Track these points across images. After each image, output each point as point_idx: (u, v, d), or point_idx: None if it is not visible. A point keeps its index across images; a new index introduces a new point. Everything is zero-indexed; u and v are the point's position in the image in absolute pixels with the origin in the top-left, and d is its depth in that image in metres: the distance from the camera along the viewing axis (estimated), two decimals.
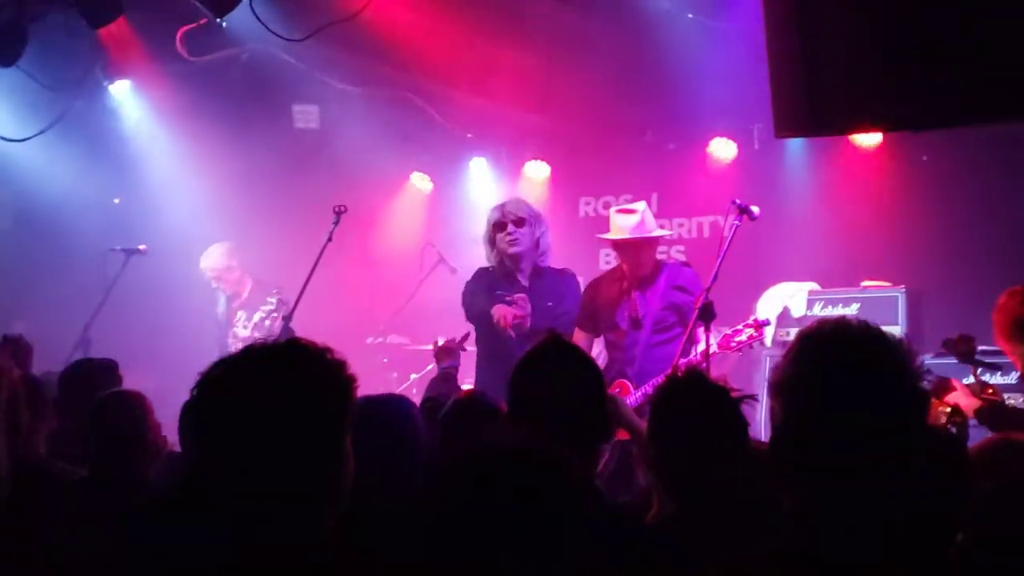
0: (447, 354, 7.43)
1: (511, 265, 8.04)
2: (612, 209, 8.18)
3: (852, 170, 10.80)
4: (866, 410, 2.42)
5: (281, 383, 2.66)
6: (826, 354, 2.51)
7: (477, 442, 2.41)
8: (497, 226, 8.03)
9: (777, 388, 2.56)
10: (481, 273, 8.26)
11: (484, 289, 8.06)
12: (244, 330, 9.99)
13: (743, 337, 7.42)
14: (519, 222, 7.96)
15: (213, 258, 10.48)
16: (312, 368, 2.71)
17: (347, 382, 2.75)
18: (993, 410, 6.22)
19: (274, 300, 9.60)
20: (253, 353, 2.77)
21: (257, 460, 2.62)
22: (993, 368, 7.04)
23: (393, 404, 4.59)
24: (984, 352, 7.80)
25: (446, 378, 7.23)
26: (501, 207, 8.10)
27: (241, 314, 10.26)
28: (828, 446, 2.43)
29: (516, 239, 7.94)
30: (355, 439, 2.72)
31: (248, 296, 10.43)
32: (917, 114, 5.64)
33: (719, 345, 7.34)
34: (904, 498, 2.44)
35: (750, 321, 7.50)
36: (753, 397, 4.28)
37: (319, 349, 2.76)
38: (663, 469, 3.96)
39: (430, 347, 10.38)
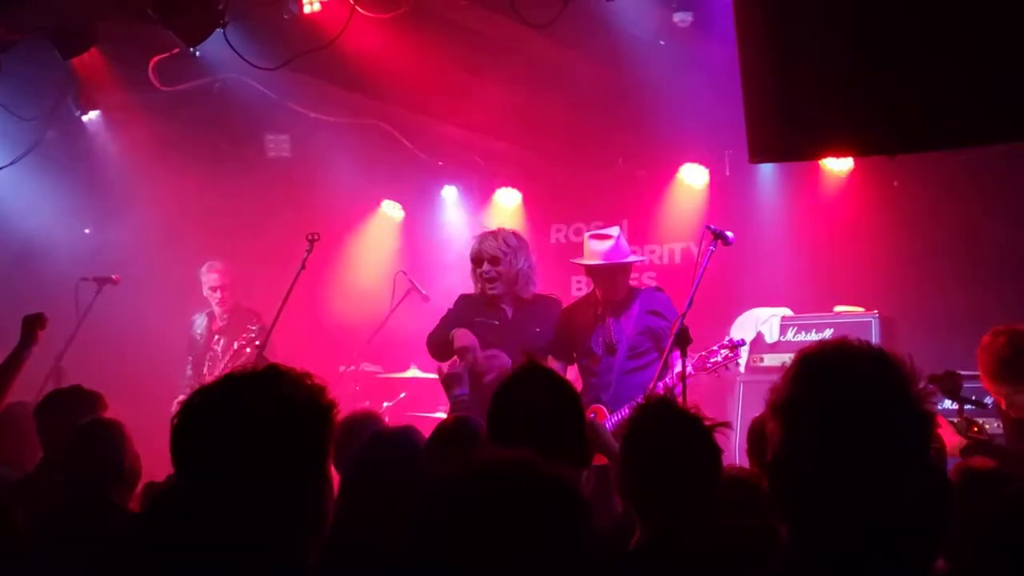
0: (455, 381, 7.27)
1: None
2: (586, 234, 8.12)
3: (824, 196, 10.84)
4: (869, 433, 2.39)
5: (262, 409, 2.66)
6: (828, 375, 2.48)
7: (473, 459, 2.36)
8: (474, 260, 7.97)
9: (775, 409, 2.52)
10: (461, 301, 8.18)
11: (461, 318, 8.01)
12: (221, 358, 9.97)
13: (719, 358, 7.43)
14: (494, 260, 7.86)
15: (223, 270, 10.43)
16: (293, 394, 2.71)
17: (328, 407, 2.75)
18: (979, 449, 6.22)
19: (255, 328, 9.55)
20: (234, 380, 2.77)
21: (239, 487, 2.61)
22: (979, 405, 7.02)
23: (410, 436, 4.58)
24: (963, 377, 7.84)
25: (462, 408, 6.98)
26: (480, 240, 7.99)
27: (220, 338, 10.23)
28: (829, 469, 2.40)
29: (491, 279, 7.87)
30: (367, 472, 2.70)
31: (228, 320, 10.41)
32: (890, 139, 5.68)
33: (694, 366, 7.33)
34: (902, 521, 2.42)
35: (725, 341, 7.51)
36: (726, 424, 4.26)
37: (299, 375, 2.75)
38: (636, 497, 3.95)
39: (403, 375, 10.43)
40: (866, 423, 2.40)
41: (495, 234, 8.03)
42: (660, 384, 7.18)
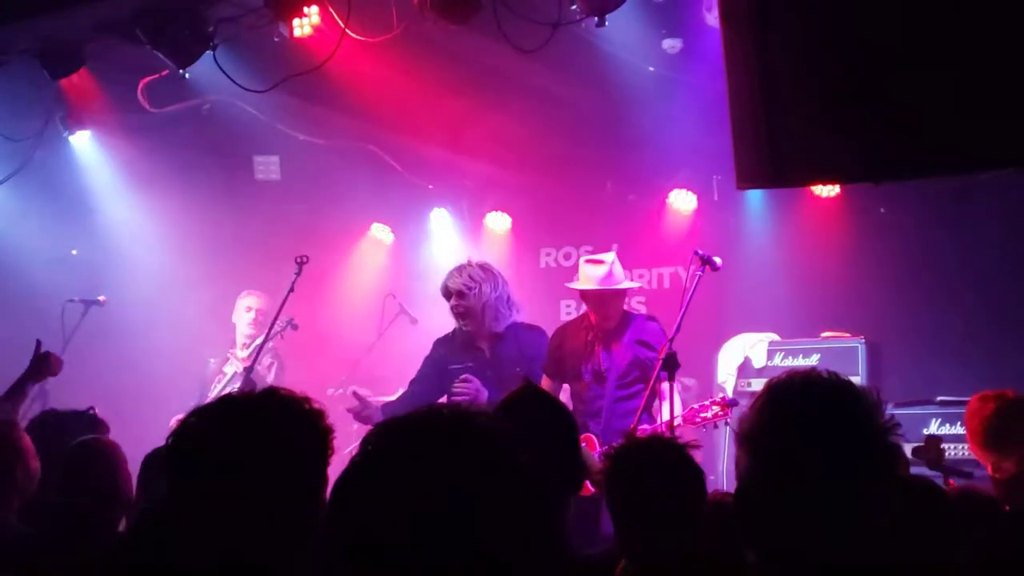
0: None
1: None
2: (582, 258, 8.09)
3: (811, 221, 10.88)
4: (831, 464, 2.41)
5: (258, 433, 2.65)
6: (792, 406, 2.51)
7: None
8: (443, 295, 7.94)
9: (743, 439, 2.55)
10: (437, 346, 8.14)
11: (436, 367, 7.98)
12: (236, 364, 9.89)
13: (709, 414, 7.41)
14: (460, 295, 7.79)
15: (262, 296, 10.25)
16: (290, 418, 2.70)
17: (325, 432, 2.74)
18: None
19: (284, 324, 9.35)
20: (231, 403, 2.76)
21: (234, 510, 2.60)
22: (963, 475, 6.95)
23: None
24: (943, 403, 7.81)
25: None
26: (447, 276, 7.92)
27: (232, 360, 10.11)
28: (793, 499, 2.43)
29: (460, 314, 7.84)
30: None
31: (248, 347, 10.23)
32: (876, 166, 5.69)
33: (684, 418, 7.33)
34: (872, 551, 2.43)
35: (718, 398, 7.50)
36: (697, 446, 4.29)
37: (297, 399, 2.75)
38: (622, 526, 3.95)
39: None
40: (830, 453, 2.42)
41: (461, 269, 7.94)
42: (650, 428, 7.19)
